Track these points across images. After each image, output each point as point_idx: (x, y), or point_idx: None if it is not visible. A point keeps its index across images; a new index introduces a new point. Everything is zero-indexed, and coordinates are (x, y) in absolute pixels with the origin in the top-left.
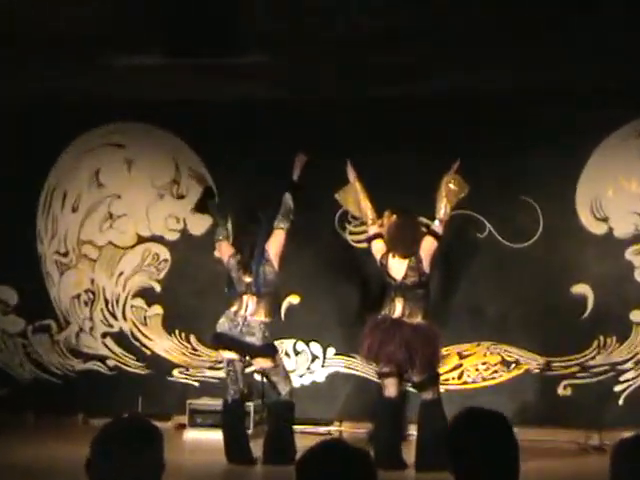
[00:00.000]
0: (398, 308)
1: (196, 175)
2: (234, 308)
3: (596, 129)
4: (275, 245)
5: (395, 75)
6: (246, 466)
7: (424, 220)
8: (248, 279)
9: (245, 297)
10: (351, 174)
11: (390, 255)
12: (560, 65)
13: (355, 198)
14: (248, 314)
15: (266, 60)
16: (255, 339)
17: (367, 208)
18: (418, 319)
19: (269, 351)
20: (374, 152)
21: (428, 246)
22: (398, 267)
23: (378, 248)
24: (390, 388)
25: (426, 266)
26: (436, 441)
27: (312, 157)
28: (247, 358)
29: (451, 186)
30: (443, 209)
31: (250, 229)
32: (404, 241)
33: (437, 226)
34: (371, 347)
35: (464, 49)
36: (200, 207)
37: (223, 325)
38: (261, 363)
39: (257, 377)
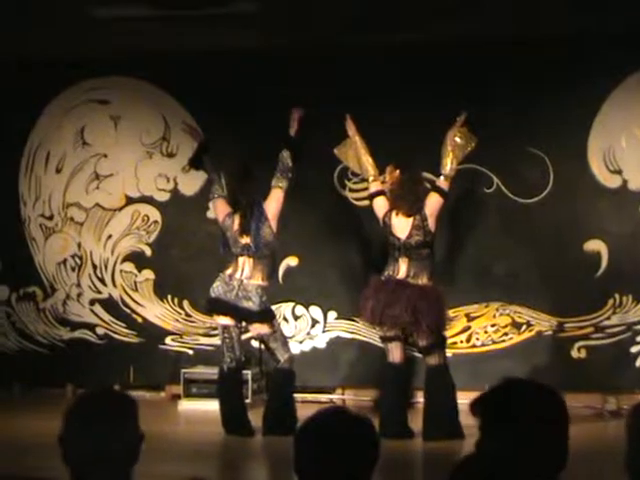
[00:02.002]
0: (402, 269)
1: (189, 128)
2: (229, 271)
3: (607, 77)
4: (273, 205)
5: (397, 23)
6: (245, 437)
7: (428, 176)
8: (245, 240)
9: (241, 259)
10: (350, 128)
11: (393, 213)
12: (570, 11)
13: (355, 153)
14: (244, 277)
15: (256, 9)
16: (252, 304)
17: (368, 164)
18: (424, 280)
19: (266, 316)
20: (375, 104)
21: (433, 203)
22: (402, 226)
23: (380, 206)
24: (394, 353)
25: (431, 224)
26: (443, 408)
27: (308, 110)
28: (243, 324)
29: (457, 140)
30: (449, 164)
31: (246, 188)
32: (408, 198)
33: (442, 182)
34: (374, 310)
35: None
36: (194, 162)
37: (217, 289)
38: (258, 329)
39: (254, 344)
